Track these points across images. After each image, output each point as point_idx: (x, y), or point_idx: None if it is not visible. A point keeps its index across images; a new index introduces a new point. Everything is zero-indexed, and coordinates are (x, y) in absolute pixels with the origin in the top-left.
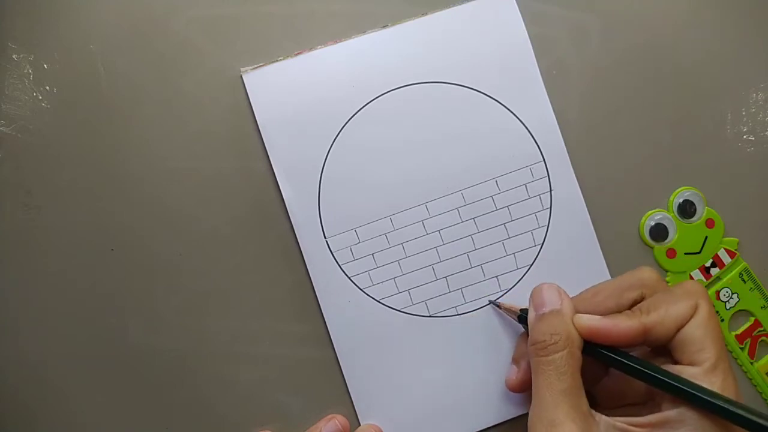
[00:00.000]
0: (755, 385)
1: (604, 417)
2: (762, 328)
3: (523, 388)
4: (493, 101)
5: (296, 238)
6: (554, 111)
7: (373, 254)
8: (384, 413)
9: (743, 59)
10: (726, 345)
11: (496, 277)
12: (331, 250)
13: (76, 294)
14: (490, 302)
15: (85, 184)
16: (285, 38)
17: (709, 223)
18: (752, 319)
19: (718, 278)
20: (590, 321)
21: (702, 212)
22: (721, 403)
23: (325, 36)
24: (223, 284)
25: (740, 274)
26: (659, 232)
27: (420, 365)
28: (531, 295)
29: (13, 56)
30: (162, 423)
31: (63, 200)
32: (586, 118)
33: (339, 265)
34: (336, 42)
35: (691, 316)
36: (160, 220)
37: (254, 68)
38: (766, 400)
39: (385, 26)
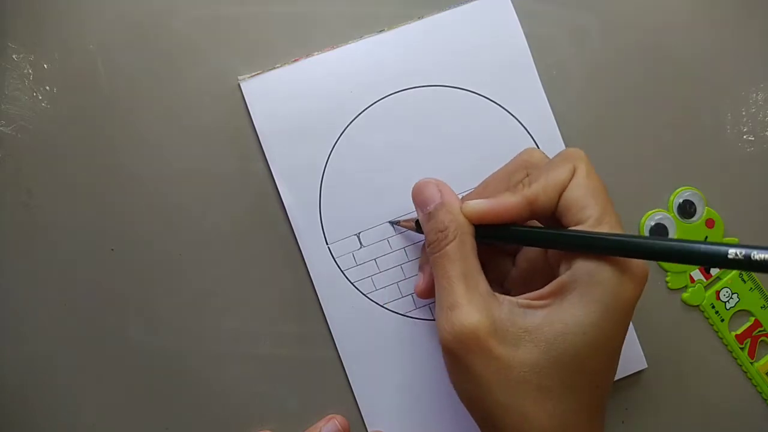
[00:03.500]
0: (755, 385)
1: (507, 297)
2: (762, 328)
3: (429, 294)
4: (492, 103)
5: (296, 238)
6: (554, 111)
7: (375, 259)
8: (390, 417)
9: (743, 59)
10: (725, 344)
11: None
12: (333, 256)
13: (76, 294)
14: (389, 222)
15: (85, 184)
16: (284, 39)
17: (709, 223)
18: (752, 319)
19: (718, 278)
20: (476, 205)
21: (702, 212)
22: (601, 236)
23: (322, 37)
24: (223, 284)
25: (740, 274)
26: (659, 232)
27: (425, 369)
28: (412, 196)
29: (13, 56)
30: (162, 423)
31: (63, 200)
32: (586, 118)
33: (342, 271)
34: (333, 48)
35: (570, 179)
36: (160, 220)
37: (252, 76)
38: (766, 400)
39: (381, 30)
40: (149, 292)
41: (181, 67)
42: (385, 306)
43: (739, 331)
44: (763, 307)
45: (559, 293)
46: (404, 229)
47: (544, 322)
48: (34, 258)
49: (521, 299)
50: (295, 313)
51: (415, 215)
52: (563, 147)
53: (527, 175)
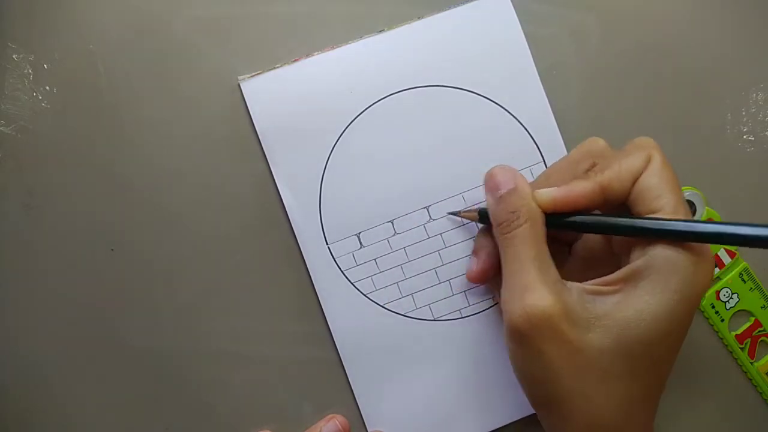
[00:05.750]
0: (755, 385)
1: (575, 284)
2: (762, 328)
3: (483, 278)
4: (492, 103)
5: (296, 238)
6: (554, 111)
7: (375, 259)
8: (390, 418)
9: (743, 59)
10: (725, 344)
11: None
12: (333, 257)
13: (76, 294)
14: (449, 213)
15: (85, 184)
16: (284, 39)
17: None
18: (752, 319)
19: (718, 278)
20: (548, 192)
21: (702, 212)
22: (685, 226)
23: (322, 37)
24: (223, 284)
25: (740, 274)
26: None
27: (425, 369)
28: (485, 181)
29: (13, 56)
30: (162, 423)
31: (63, 200)
32: (586, 118)
33: (342, 271)
34: (333, 48)
35: (645, 168)
36: (160, 220)
37: (251, 76)
38: (766, 400)
39: (381, 30)
40: (149, 292)
41: (181, 67)
42: (385, 306)
43: (739, 331)
44: (763, 307)
45: (632, 280)
46: (464, 220)
47: (615, 309)
48: (34, 258)
49: (588, 285)
50: (295, 313)
51: (420, 214)
52: (563, 147)
53: (594, 164)
